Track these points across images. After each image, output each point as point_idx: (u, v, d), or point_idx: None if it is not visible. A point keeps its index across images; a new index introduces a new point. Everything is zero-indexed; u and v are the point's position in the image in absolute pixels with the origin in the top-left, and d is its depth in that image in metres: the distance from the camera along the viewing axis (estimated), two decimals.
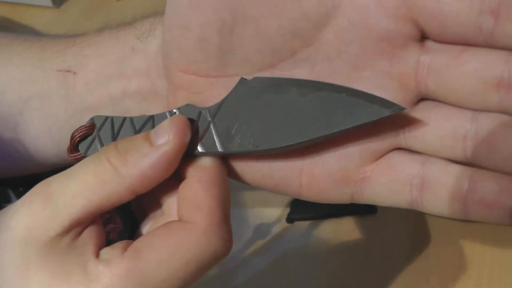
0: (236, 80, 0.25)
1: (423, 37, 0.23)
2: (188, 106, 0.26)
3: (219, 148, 0.25)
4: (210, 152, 0.25)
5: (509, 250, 0.34)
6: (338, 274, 0.35)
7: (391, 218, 0.37)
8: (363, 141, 0.25)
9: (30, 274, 0.22)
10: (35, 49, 0.32)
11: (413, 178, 0.24)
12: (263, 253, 0.36)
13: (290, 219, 0.37)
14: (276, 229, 0.37)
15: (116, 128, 0.26)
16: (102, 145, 0.26)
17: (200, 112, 0.25)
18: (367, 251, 0.36)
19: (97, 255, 0.23)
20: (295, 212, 0.38)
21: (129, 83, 0.29)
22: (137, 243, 0.23)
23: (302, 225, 0.37)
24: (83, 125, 0.26)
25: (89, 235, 0.24)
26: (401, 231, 0.36)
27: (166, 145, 0.23)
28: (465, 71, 0.23)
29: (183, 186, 0.24)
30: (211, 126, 0.25)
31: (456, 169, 0.24)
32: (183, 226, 0.23)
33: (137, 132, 0.26)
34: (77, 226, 0.23)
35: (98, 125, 0.27)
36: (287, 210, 0.38)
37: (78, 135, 0.26)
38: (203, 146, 0.25)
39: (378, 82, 0.24)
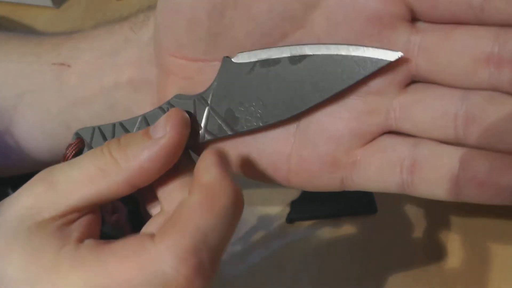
0: None
1: (413, 19, 0.23)
2: (179, 96, 0.26)
3: (228, 131, 0.25)
4: (219, 136, 0.25)
5: (510, 250, 0.34)
6: (338, 274, 0.35)
7: (391, 218, 0.37)
8: (353, 123, 0.24)
9: (14, 249, 0.22)
10: (32, 45, 0.32)
11: (404, 160, 0.24)
12: (262, 253, 0.36)
13: (290, 219, 0.37)
14: (276, 229, 0.37)
15: (108, 136, 0.27)
16: None
17: (194, 101, 0.25)
18: (367, 251, 0.36)
19: (81, 242, 0.23)
20: (295, 212, 0.38)
21: (121, 73, 0.29)
22: (105, 245, 0.22)
23: (302, 225, 0.37)
24: (72, 143, 0.26)
25: (81, 224, 0.24)
26: (401, 231, 0.36)
27: (163, 138, 0.23)
28: (455, 49, 0.23)
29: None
30: (210, 111, 0.25)
31: (447, 149, 0.24)
32: (142, 240, 0.21)
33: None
34: (73, 213, 0.23)
35: (87, 138, 0.27)
36: (287, 210, 0.38)
37: (70, 154, 0.26)
38: (210, 133, 0.25)
39: None
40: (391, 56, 0.23)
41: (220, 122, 0.25)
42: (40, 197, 0.23)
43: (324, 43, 0.24)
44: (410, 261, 0.35)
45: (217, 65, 0.25)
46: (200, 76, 0.26)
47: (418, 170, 0.24)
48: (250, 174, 0.27)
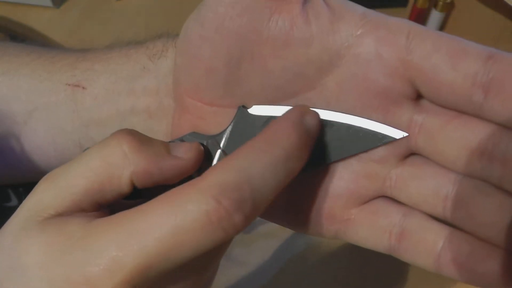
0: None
1: (419, 96, 0.24)
2: (193, 134, 0.26)
3: None
4: None
5: None
6: (338, 274, 0.35)
7: None
8: (351, 185, 0.26)
9: (30, 242, 0.22)
10: (43, 61, 0.32)
11: (393, 227, 0.25)
12: (262, 253, 0.36)
13: None
14: (276, 229, 0.37)
15: None
16: None
17: (207, 142, 0.26)
18: (367, 251, 0.36)
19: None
20: None
21: (138, 100, 0.30)
22: (140, 206, 0.22)
23: None
24: None
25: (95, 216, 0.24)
26: None
27: (180, 160, 0.24)
28: (453, 137, 0.24)
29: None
30: (222, 154, 0.26)
31: (434, 226, 0.25)
32: (188, 182, 0.22)
33: None
34: (80, 211, 0.23)
35: None
36: None
37: None
38: None
39: None
40: (398, 134, 0.25)
41: None
42: (42, 194, 0.23)
43: (339, 111, 0.25)
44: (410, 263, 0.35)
45: (230, 111, 0.26)
46: (214, 119, 0.26)
47: (405, 239, 0.25)
48: None
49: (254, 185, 0.21)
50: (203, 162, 0.25)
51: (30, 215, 0.23)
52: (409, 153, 0.25)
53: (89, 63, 0.31)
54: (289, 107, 0.25)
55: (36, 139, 0.32)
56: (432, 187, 0.25)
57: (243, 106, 0.26)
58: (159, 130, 0.29)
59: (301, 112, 0.24)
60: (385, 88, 0.24)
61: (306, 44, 0.24)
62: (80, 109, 0.31)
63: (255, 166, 0.22)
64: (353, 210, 0.26)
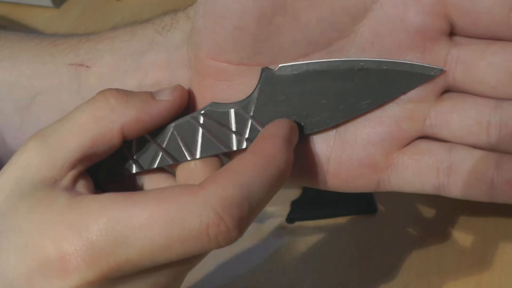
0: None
1: (451, 33, 0.25)
2: (214, 105, 0.26)
3: None
4: None
5: (510, 250, 0.34)
6: (338, 274, 0.35)
7: (391, 218, 0.37)
8: (392, 128, 0.25)
9: (20, 205, 0.22)
10: (46, 45, 0.32)
11: (440, 163, 0.25)
12: (262, 253, 0.36)
13: (290, 219, 0.37)
14: (276, 229, 0.37)
15: (132, 147, 0.26)
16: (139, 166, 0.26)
17: (232, 111, 0.25)
18: (367, 251, 0.36)
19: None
20: (295, 212, 0.38)
21: (146, 75, 0.29)
22: (136, 192, 0.22)
23: (302, 225, 0.37)
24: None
25: (84, 185, 0.24)
26: (401, 231, 0.36)
27: (167, 102, 0.25)
28: (493, 62, 0.24)
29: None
30: (253, 122, 0.26)
31: (482, 153, 0.25)
32: (189, 185, 0.22)
33: (162, 147, 0.26)
34: (72, 169, 0.23)
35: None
36: (287, 210, 0.38)
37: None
38: (251, 141, 0.25)
39: None
40: (435, 71, 0.25)
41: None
42: (33, 155, 0.23)
43: (369, 58, 0.25)
44: (410, 261, 0.35)
45: (258, 69, 0.26)
46: (239, 79, 0.26)
47: (454, 173, 0.25)
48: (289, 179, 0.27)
49: (252, 203, 0.22)
50: (225, 131, 0.25)
51: (23, 175, 0.23)
52: (445, 89, 0.25)
53: (93, 43, 0.31)
54: (317, 62, 0.25)
55: (39, 124, 0.31)
56: (474, 115, 0.25)
57: (267, 68, 0.25)
58: None
59: (291, 128, 0.25)
60: (423, 25, 0.24)
61: None
62: (84, 90, 0.30)
63: (255, 184, 0.22)
64: (395, 154, 0.26)
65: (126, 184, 0.27)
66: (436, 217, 0.36)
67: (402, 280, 0.34)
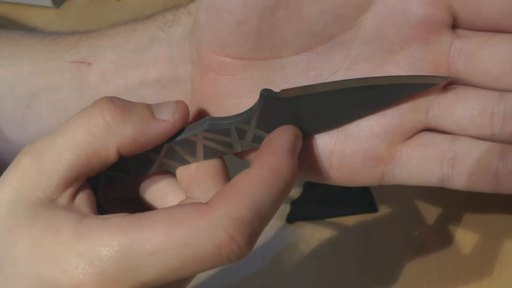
0: (271, 64, 0.26)
1: (454, 26, 0.25)
2: (212, 120, 0.25)
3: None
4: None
5: (510, 251, 0.34)
6: (338, 274, 0.35)
7: (391, 217, 0.37)
8: (396, 120, 0.25)
9: (19, 232, 0.22)
10: (47, 43, 0.32)
11: (444, 154, 0.25)
12: (262, 253, 0.36)
13: (290, 219, 0.37)
14: (276, 229, 0.37)
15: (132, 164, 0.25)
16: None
17: (229, 128, 0.25)
18: (367, 251, 0.36)
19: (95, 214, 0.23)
20: (295, 212, 0.38)
21: (148, 71, 0.29)
22: (143, 214, 0.22)
23: (302, 225, 0.37)
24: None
25: (84, 200, 0.23)
26: (401, 231, 0.36)
27: (167, 124, 0.24)
28: (496, 52, 0.24)
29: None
30: (254, 132, 0.25)
31: (486, 144, 0.25)
32: (197, 205, 0.22)
33: (161, 159, 0.25)
34: (68, 187, 0.23)
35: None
36: (287, 210, 0.38)
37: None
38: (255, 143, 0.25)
39: (411, 65, 0.25)
40: (441, 79, 0.25)
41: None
42: (27, 173, 0.22)
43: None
44: (410, 261, 0.35)
45: (260, 63, 0.25)
46: (243, 74, 0.26)
47: (459, 163, 0.25)
48: None
49: (262, 219, 0.22)
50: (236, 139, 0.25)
51: (18, 196, 0.22)
52: (448, 82, 0.25)
53: (94, 40, 0.30)
54: (320, 84, 0.25)
55: (40, 122, 0.31)
56: (477, 106, 0.25)
57: (267, 90, 0.24)
58: (173, 100, 0.29)
59: (295, 137, 0.24)
60: (426, 17, 0.24)
61: None
62: (85, 87, 0.30)
63: (264, 200, 0.22)
64: (398, 146, 0.26)
65: (126, 186, 0.27)
66: (436, 217, 0.36)
67: (402, 280, 0.34)
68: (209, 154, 0.26)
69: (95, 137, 0.23)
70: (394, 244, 0.36)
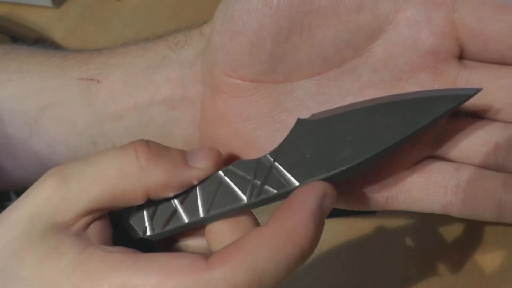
0: (282, 87, 0.26)
1: (461, 57, 0.25)
2: (239, 162, 0.24)
3: (296, 182, 0.23)
4: (282, 192, 0.24)
5: (511, 251, 0.34)
6: (338, 274, 0.35)
7: (391, 218, 0.37)
8: (405, 147, 0.25)
9: (28, 251, 0.22)
10: (57, 60, 0.32)
11: (448, 181, 0.25)
12: None
13: None
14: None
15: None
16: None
17: (256, 163, 0.24)
18: (367, 251, 0.36)
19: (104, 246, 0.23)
20: None
21: (158, 91, 0.29)
22: (143, 254, 0.22)
23: None
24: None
25: (96, 229, 0.23)
26: (401, 231, 0.36)
27: (200, 171, 0.24)
28: (502, 85, 0.24)
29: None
30: (273, 168, 0.24)
31: (489, 173, 0.25)
32: (196, 259, 0.21)
33: (180, 205, 0.24)
34: (86, 216, 0.23)
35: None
36: None
37: None
38: (272, 187, 0.24)
39: None
40: (474, 91, 0.24)
41: (281, 179, 0.24)
42: (51, 195, 0.22)
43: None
44: (409, 262, 0.35)
45: (271, 86, 0.26)
46: (254, 96, 0.26)
47: (462, 191, 0.25)
48: None
49: (264, 285, 0.20)
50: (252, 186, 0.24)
51: (38, 215, 0.22)
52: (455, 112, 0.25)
53: (104, 58, 0.31)
54: (346, 105, 0.24)
55: (47, 137, 0.31)
56: (483, 136, 0.25)
57: (301, 119, 0.24)
58: (182, 120, 0.28)
59: (322, 195, 0.21)
60: (435, 47, 0.25)
61: (356, 11, 0.24)
62: (94, 103, 0.30)
63: (268, 267, 0.20)
64: (404, 172, 0.26)
65: None
66: (436, 217, 0.36)
67: (402, 281, 0.34)
68: (220, 203, 0.24)
69: (126, 176, 0.22)
70: (393, 244, 0.36)
